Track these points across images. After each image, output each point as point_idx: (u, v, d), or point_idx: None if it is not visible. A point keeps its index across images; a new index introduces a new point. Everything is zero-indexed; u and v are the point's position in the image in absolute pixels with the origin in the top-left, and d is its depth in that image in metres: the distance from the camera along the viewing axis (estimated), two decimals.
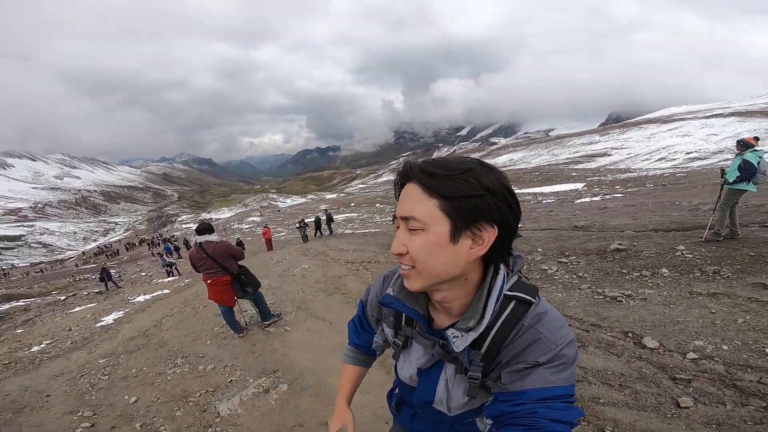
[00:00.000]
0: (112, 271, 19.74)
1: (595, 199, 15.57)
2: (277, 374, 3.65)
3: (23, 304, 17.71)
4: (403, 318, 0.91)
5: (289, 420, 2.96)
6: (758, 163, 4.77)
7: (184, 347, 4.78)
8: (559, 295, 4.60)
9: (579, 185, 31.37)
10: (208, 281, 4.41)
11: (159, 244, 46.67)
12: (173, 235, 59.64)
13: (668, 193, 14.03)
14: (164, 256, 20.25)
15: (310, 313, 5.19)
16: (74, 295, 17.77)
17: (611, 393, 2.64)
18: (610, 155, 66.05)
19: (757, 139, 5.00)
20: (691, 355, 2.89)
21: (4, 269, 68.72)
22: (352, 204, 51.55)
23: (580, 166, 51.74)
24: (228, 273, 4.40)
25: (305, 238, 16.56)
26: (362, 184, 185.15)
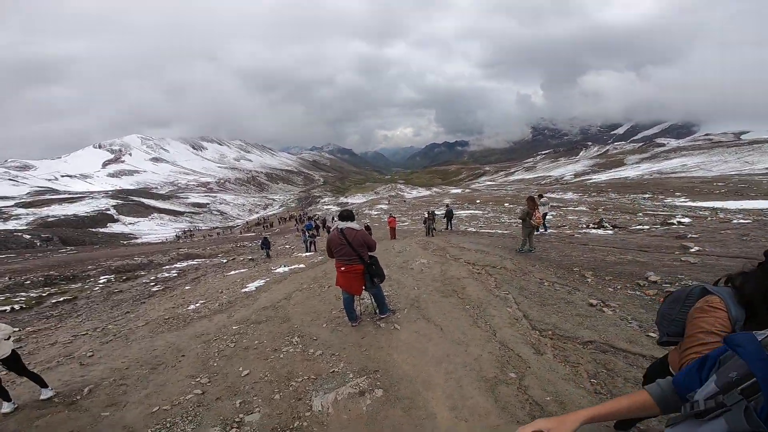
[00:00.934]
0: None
1: None
2: (376, 375, 3.55)
3: (196, 263, 21.28)
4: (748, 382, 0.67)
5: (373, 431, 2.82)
6: None
7: (302, 326, 5.09)
8: None
9: None
10: (342, 268, 4.51)
11: (303, 221, 53.59)
12: (316, 214, 67.74)
13: None
14: (305, 232, 22.90)
15: (422, 314, 4.98)
16: (233, 259, 21.23)
17: None
18: None
19: None
20: None
21: (191, 231, 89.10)
22: (478, 201, 49.67)
23: None
24: (362, 262, 4.48)
25: (431, 231, 16.16)
26: (490, 180, 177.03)
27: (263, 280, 9.71)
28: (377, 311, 5.01)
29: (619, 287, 5.50)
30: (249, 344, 4.72)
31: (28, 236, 56.09)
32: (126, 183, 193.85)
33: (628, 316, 4.29)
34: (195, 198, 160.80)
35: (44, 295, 14.32)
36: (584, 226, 17.75)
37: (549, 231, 14.54)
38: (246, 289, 8.78)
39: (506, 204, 42.67)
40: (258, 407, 3.26)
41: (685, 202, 36.07)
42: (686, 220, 14.30)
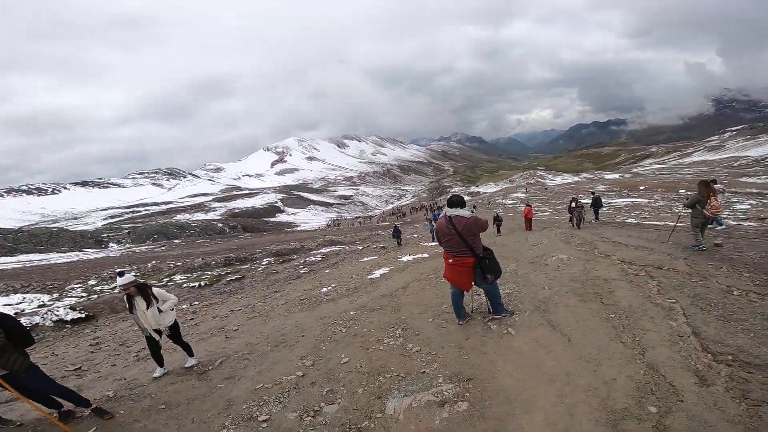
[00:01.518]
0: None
1: None
2: (468, 384, 3.11)
3: (338, 249, 23.45)
4: None
5: None
6: None
7: (410, 318, 4.92)
8: None
9: None
10: (450, 260, 4.12)
11: (434, 210, 54.24)
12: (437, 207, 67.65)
13: None
14: (432, 222, 22.98)
15: (547, 319, 4.20)
16: (368, 247, 22.69)
17: None
18: None
19: None
20: None
21: (338, 220, 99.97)
22: (642, 187, 41.46)
23: None
24: (473, 255, 3.98)
25: (578, 223, 13.38)
26: (659, 164, 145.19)
27: (388, 268, 9.95)
28: (491, 310, 4.43)
29: None
30: (358, 331, 4.77)
31: (220, 225, 72.63)
32: (289, 179, 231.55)
33: None
34: (341, 191, 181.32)
35: (222, 273, 17.95)
36: None
37: (731, 225, 10.90)
38: (371, 276, 9.08)
39: (681, 191, 34.42)
40: (340, 398, 3.22)
41: None
42: None
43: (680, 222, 9.59)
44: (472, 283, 4.19)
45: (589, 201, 17.40)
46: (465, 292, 4.37)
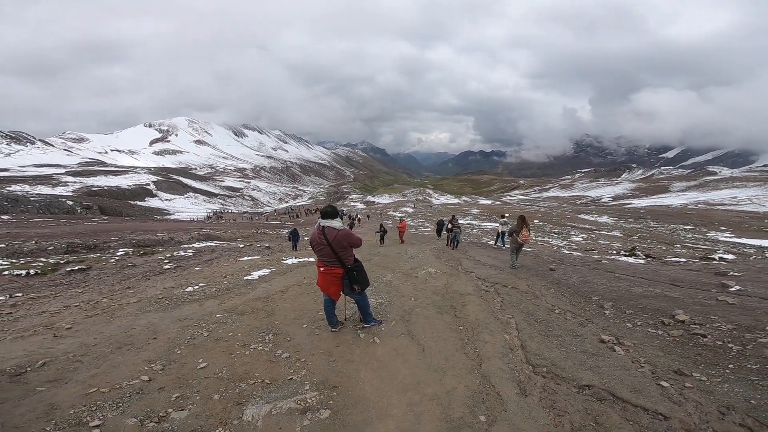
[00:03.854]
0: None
1: None
2: (333, 392, 3.21)
3: (214, 245, 21.46)
4: None
5: None
6: None
7: (283, 324, 4.83)
8: None
9: None
10: (321, 269, 4.26)
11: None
12: (342, 210, 68.22)
13: None
14: None
15: (408, 329, 4.54)
16: (250, 245, 21.32)
17: None
18: None
19: None
20: None
21: (221, 212, 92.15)
22: (507, 215, 48.28)
23: None
24: (342, 266, 4.16)
25: (454, 244, 13.47)
26: (523, 195, 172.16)
27: (269, 270, 9.50)
28: (362, 319, 4.67)
29: (639, 323, 4.88)
30: (223, 335, 4.50)
31: (70, 202, 59.72)
32: (169, 161, 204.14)
33: (642, 359, 3.70)
34: (230, 182, 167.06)
35: (62, 262, 14.73)
36: (615, 252, 16.65)
37: (565, 254, 13.66)
38: (249, 277, 8.59)
39: (535, 221, 41.14)
40: (192, 405, 3.03)
41: (730, 237, 33.45)
42: (729, 256, 13.04)
43: (529, 248, 11.48)
44: (341, 292, 4.36)
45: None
46: (336, 301, 4.49)
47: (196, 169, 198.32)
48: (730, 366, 3.56)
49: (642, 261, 12.37)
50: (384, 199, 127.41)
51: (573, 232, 32.26)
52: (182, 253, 17.33)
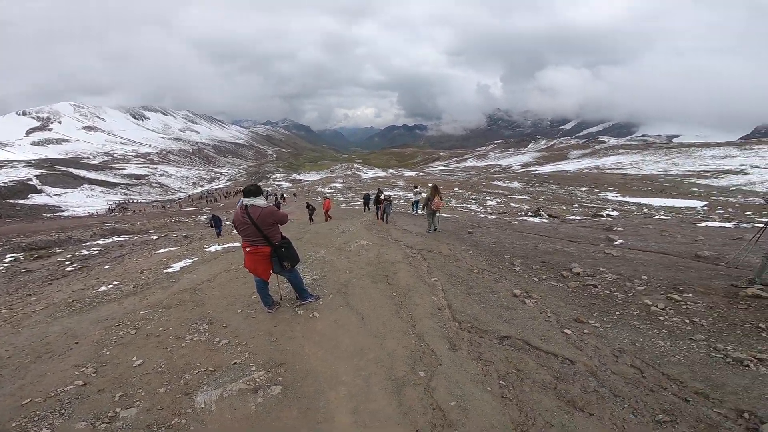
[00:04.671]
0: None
1: (726, 225, 12.42)
2: (280, 369, 3.26)
3: (122, 239, 19.46)
4: None
5: None
6: None
7: (215, 312, 4.67)
8: (661, 342, 3.47)
9: (699, 203, 26.52)
10: (247, 249, 4.09)
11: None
12: (266, 189, 64.98)
13: None
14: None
15: (346, 301, 4.68)
16: (165, 236, 19.64)
17: None
18: (747, 174, 54.65)
19: None
20: None
21: (126, 203, 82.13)
22: (429, 184, 50.51)
23: (704, 182, 43.47)
24: (269, 244, 4.04)
25: (385, 217, 13.16)
26: (443, 166, 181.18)
27: (191, 260, 8.95)
28: (298, 297, 4.65)
29: (544, 277, 5.54)
30: (152, 331, 4.27)
31: None
32: (53, 152, 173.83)
33: (548, 309, 4.27)
34: (132, 169, 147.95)
35: None
36: (523, 213, 18.47)
37: (481, 218, 14.86)
38: (169, 270, 8.02)
39: (455, 189, 43.71)
40: (139, 401, 2.95)
41: (617, 196, 39.23)
42: (615, 213, 15.30)
43: (451, 214, 12.12)
44: (271, 272, 4.26)
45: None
46: (267, 281, 4.39)
47: (89, 158, 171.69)
48: (617, 313, 4.21)
49: (545, 220, 13.94)
50: (311, 177, 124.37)
51: (488, 198, 35.03)
52: (86, 252, 15.45)
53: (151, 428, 2.66)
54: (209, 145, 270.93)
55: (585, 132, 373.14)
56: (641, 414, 2.55)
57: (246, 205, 3.98)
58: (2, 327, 5.41)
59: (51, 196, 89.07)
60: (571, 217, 14.92)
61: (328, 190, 53.27)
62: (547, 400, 2.73)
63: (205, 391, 3.00)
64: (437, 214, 10.21)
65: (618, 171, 69.87)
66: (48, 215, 59.19)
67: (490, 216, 18.20)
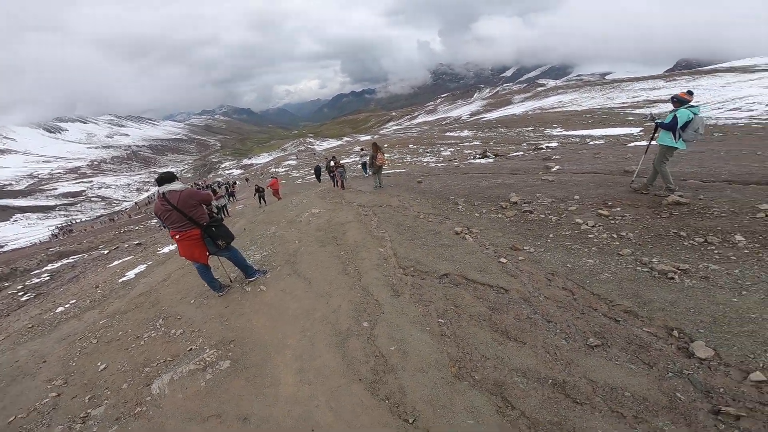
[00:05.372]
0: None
1: (653, 143, 13.17)
2: (230, 346, 3.32)
3: (72, 260, 18.36)
4: None
5: (209, 408, 2.65)
6: (690, 120, 4.49)
7: (170, 307, 4.64)
8: (591, 261, 3.58)
9: (635, 129, 28.27)
10: (176, 236, 3.93)
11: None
12: (216, 181, 61.89)
13: (744, 142, 11.59)
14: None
15: (294, 269, 4.68)
16: (116, 248, 18.57)
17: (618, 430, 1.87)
18: None
19: (690, 93, 4.72)
20: (757, 376, 1.97)
21: (69, 226, 75.36)
22: (385, 145, 50.15)
23: (638, 111, 46.08)
24: (196, 225, 3.89)
25: (341, 184, 12.91)
26: (397, 125, 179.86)
27: (145, 265, 8.79)
28: (245, 276, 4.58)
29: (485, 211, 5.72)
30: (112, 337, 4.29)
31: None
32: None
33: (486, 242, 4.39)
34: (65, 187, 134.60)
35: None
36: (472, 158, 18.82)
37: (432, 167, 15.06)
38: (124, 278, 7.92)
39: (410, 146, 43.68)
40: (106, 399, 3.10)
41: (561, 132, 40.87)
42: (553, 144, 15.90)
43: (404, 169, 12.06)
44: (208, 254, 4.14)
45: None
46: (207, 264, 4.28)
47: (11, 184, 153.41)
48: (551, 236, 4.33)
49: (491, 160, 14.27)
50: (263, 159, 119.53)
51: (442, 149, 35.38)
52: (36, 280, 14.54)
53: (119, 420, 2.79)
54: (144, 146, 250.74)
55: (525, 77, 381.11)
56: (573, 339, 2.58)
57: (163, 193, 3.82)
58: None
59: None
60: (514, 154, 15.35)
61: (283, 169, 51.58)
62: (482, 332, 2.80)
63: (159, 378, 3.11)
64: (382, 170, 10.43)
65: (560, 109, 72.34)
66: None
67: (440, 164, 18.43)
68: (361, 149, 19.44)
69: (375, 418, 2.24)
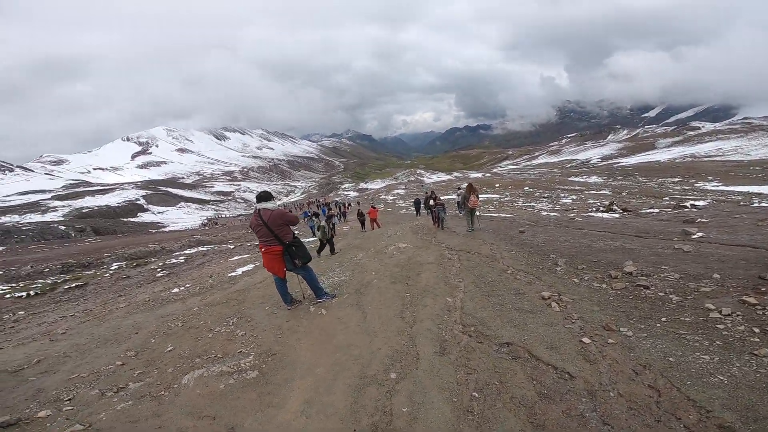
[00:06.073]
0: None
1: None
2: (269, 358, 3.43)
3: (205, 249, 21.68)
4: None
5: (210, 409, 2.74)
6: None
7: (248, 309, 5.04)
8: (706, 357, 2.63)
9: None
10: (263, 249, 4.44)
11: (319, 206, 53.90)
12: (334, 200, 67.89)
13: None
14: (313, 218, 21.75)
15: (358, 300, 4.68)
16: (240, 245, 21.46)
17: None
18: None
19: None
20: None
21: (216, 218, 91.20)
22: (497, 185, 48.26)
23: None
24: (280, 242, 4.33)
25: (440, 222, 11.82)
26: (513, 165, 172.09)
27: (254, 265, 9.78)
28: (315, 296, 4.83)
29: (587, 278, 4.85)
30: (194, 324, 4.76)
31: (63, 227, 58.78)
32: (154, 174, 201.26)
33: (575, 314, 3.64)
34: (220, 187, 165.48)
35: (59, 281, 14.99)
36: (594, 210, 16.67)
37: (543, 216, 13.70)
38: (233, 274, 8.87)
39: (526, 188, 41.17)
40: (149, 378, 3.37)
41: (717, 186, 33.62)
42: (701, 203, 13.03)
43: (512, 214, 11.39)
44: (285, 269, 4.51)
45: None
46: (283, 278, 4.64)
47: (183, 177, 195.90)
48: (663, 319, 3.37)
49: (617, 215, 12.40)
50: (376, 185, 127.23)
51: (563, 195, 32.29)
52: (174, 261, 17.58)
53: (143, 398, 3.01)
54: (284, 160, 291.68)
55: (673, 119, 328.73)
56: None
57: (259, 210, 4.34)
58: (91, 321, 6.64)
59: (155, 214, 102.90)
60: (647, 210, 13.05)
61: (391, 197, 53.80)
62: (513, 420, 2.29)
63: (195, 372, 3.32)
64: (476, 213, 10.12)
65: (719, 158, 60.15)
66: (153, 231, 68.35)
67: (552, 213, 16.77)
68: (458, 189, 19.04)
69: None
